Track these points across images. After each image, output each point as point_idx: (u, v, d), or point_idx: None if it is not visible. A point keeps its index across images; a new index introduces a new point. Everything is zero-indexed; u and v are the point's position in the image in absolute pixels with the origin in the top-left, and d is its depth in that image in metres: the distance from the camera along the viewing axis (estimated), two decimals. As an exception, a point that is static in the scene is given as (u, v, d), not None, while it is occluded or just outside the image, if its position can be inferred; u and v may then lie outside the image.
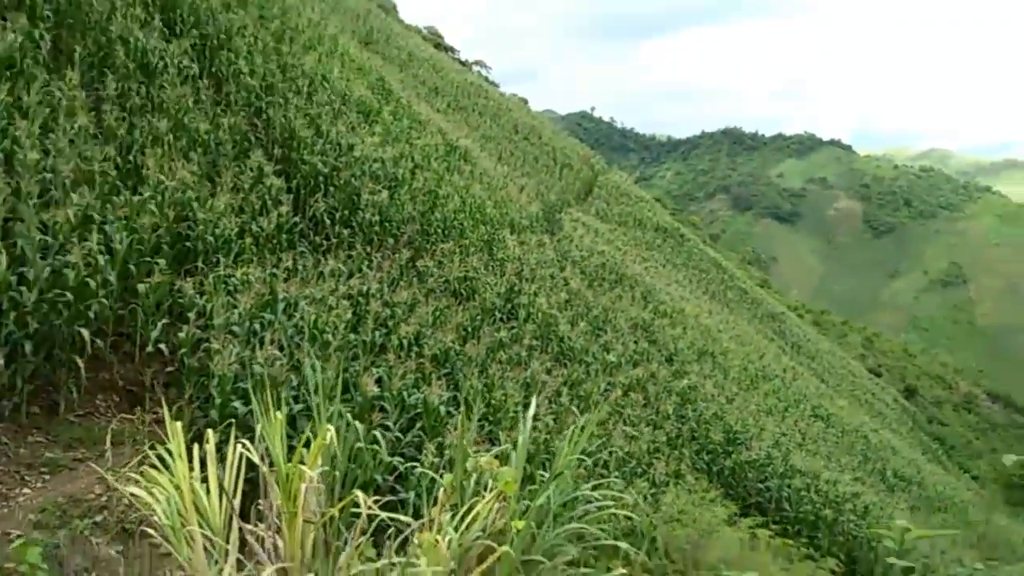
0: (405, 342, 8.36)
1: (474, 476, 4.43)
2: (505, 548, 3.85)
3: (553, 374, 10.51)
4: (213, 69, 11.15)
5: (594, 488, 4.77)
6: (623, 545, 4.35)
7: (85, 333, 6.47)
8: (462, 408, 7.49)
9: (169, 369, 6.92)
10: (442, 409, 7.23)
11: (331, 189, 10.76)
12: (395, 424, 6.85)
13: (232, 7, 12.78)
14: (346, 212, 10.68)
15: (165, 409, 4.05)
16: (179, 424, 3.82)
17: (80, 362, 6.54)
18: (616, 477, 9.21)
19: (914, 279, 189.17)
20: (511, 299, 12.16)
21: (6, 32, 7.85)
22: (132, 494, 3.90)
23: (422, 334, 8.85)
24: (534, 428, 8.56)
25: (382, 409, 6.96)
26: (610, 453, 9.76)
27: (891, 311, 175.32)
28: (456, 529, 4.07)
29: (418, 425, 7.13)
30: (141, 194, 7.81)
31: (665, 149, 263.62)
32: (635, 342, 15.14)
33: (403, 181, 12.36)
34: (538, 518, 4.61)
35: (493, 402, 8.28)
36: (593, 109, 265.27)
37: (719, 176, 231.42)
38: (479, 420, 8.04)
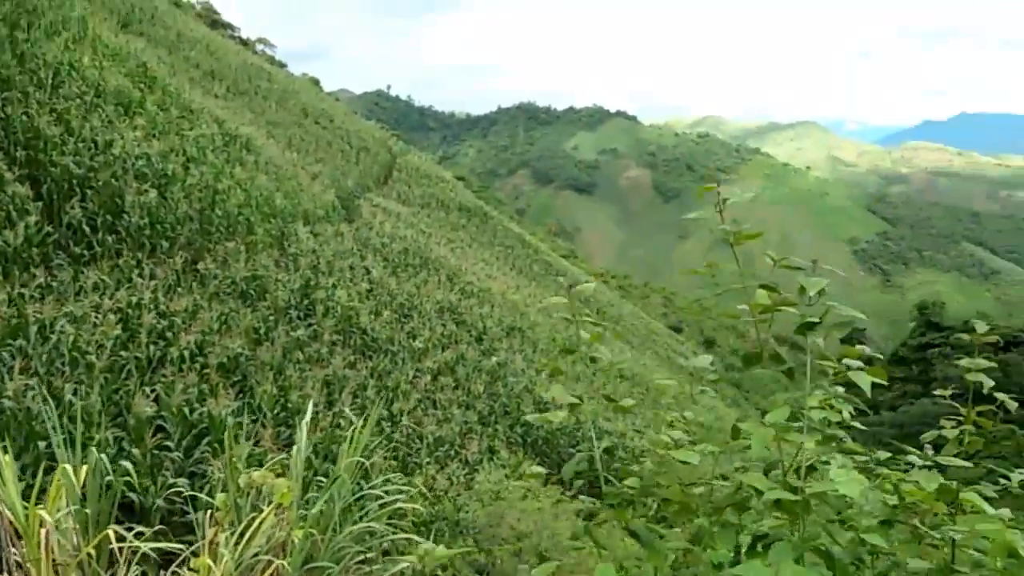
0: (186, 353, 7.73)
1: (251, 492, 4.17)
2: (280, 561, 3.65)
3: (357, 368, 10.23)
4: (-72, 63, 9.66)
5: (383, 484, 4.63)
6: (414, 537, 4.26)
7: None
8: (245, 418, 7.08)
9: None
10: (230, 420, 6.75)
11: (88, 193, 9.70)
12: (179, 443, 6.31)
13: (-52, -10, 11.14)
14: (109, 217, 9.67)
15: None
16: None
17: None
18: (428, 463, 9.18)
19: (701, 238, 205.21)
20: (308, 295, 11.66)
21: None
22: None
23: (206, 342, 8.23)
24: (338, 427, 8.28)
25: (162, 429, 6.38)
26: (420, 439, 9.69)
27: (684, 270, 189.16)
28: (235, 547, 3.83)
29: (206, 440, 6.62)
30: None
31: (465, 127, 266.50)
32: (443, 325, 15.13)
33: (174, 178, 11.42)
34: (325, 523, 4.42)
35: (290, 405, 7.88)
36: (389, 88, 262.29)
37: (519, 151, 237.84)
38: (277, 426, 7.63)
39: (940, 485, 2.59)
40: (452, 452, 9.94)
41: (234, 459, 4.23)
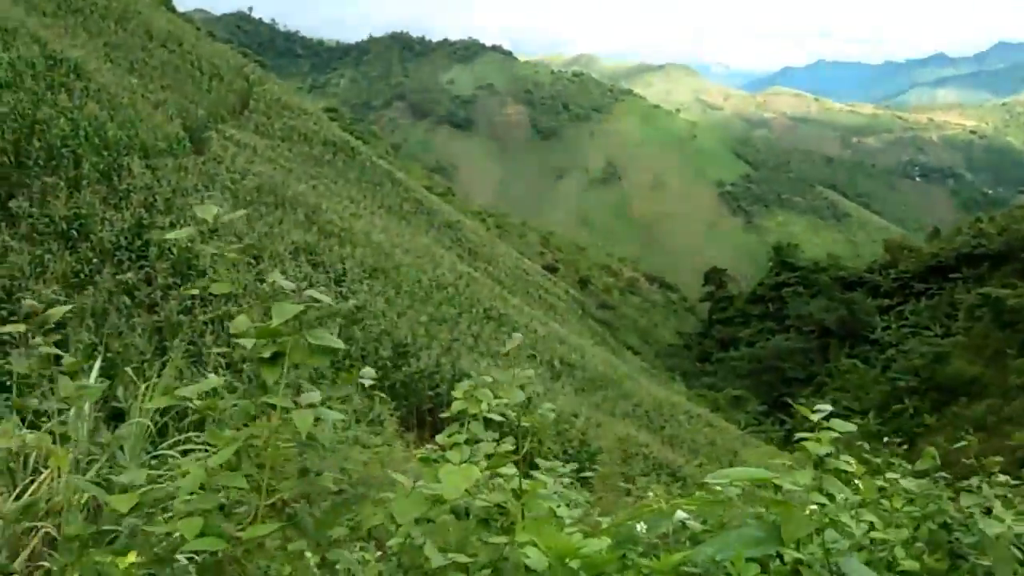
0: (-15, 301, 6.96)
1: (30, 454, 3.77)
2: (46, 526, 3.33)
3: (194, 313, 9.62)
4: None
5: (172, 445, 4.31)
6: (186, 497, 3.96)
7: None
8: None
9: None
10: (36, 375, 6.13)
11: None
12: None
13: None
14: None
15: None
16: None
17: None
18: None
19: (577, 178, 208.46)
20: (140, 235, 10.81)
21: None
22: None
23: (14, 288, 7.45)
24: (163, 376, 7.76)
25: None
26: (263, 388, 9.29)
27: (561, 210, 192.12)
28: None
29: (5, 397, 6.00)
30: None
31: (336, 55, 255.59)
32: (297, 267, 14.54)
33: (-19, 104, 10.20)
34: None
35: (108, 355, 7.29)
36: (251, 9, 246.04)
37: (393, 84, 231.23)
38: (101, 377, 7.05)
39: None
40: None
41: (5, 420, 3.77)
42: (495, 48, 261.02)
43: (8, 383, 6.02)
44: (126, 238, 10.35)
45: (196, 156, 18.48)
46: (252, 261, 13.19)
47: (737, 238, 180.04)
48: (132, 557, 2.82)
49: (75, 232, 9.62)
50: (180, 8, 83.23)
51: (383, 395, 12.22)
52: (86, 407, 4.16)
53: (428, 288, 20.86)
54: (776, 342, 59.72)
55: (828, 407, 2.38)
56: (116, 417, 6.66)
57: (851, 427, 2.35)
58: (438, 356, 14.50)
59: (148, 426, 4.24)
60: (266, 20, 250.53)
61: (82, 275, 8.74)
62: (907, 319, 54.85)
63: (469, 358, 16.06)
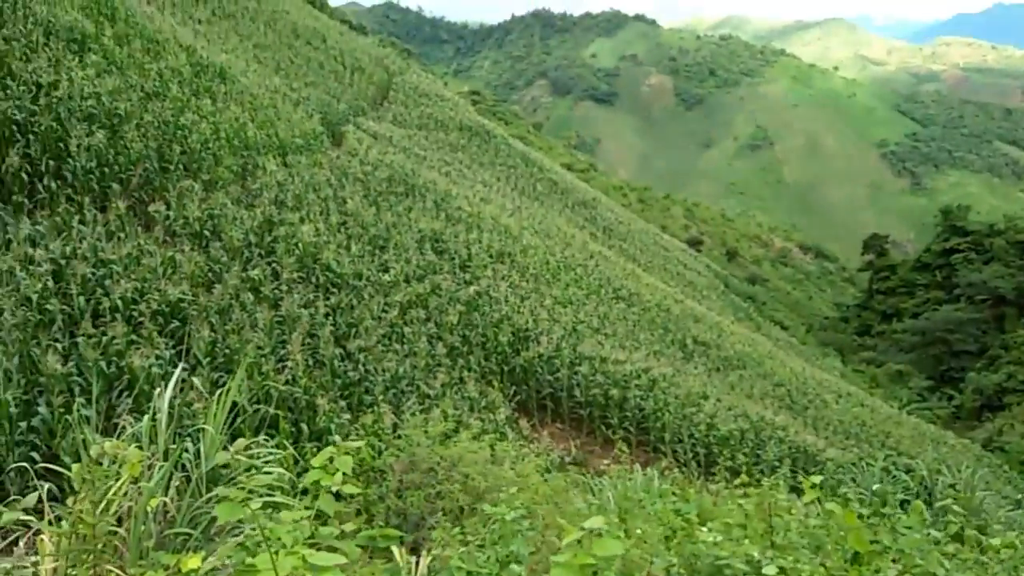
0: (119, 303, 7.68)
1: (106, 460, 4.13)
2: (120, 530, 3.65)
3: (315, 306, 10.16)
4: None
5: (246, 449, 4.56)
6: (280, 499, 4.20)
7: None
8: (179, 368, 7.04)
9: None
10: (156, 371, 6.74)
11: (30, 138, 9.52)
12: (97, 398, 6.31)
13: None
14: (51, 162, 9.53)
15: None
16: None
17: None
18: (383, 401, 9.16)
19: (726, 146, 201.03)
20: (271, 232, 11.53)
21: None
22: None
23: (145, 290, 8.17)
24: (280, 371, 8.27)
25: (77, 384, 6.38)
26: (378, 376, 9.66)
27: (708, 180, 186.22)
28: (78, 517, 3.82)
29: (130, 395, 6.63)
30: None
31: (479, 37, 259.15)
32: (421, 255, 14.97)
33: (128, 116, 11.18)
34: (197, 487, 4.40)
35: (228, 351, 7.85)
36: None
37: (535, 62, 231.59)
38: (213, 372, 7.63)
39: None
40: (412, 388, 9.94)
41: (84, 428, 4.16)
42: (638, 17, 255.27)
43: (130, 381, 6.64)
44: (255, 235, 11.06)
45: (333, 150, 19.45)
46: (376, 251, 13.74)
47: (902, 202, 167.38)
48: (196, 562, 3.04)
49: (207, 232, 10.40)
50: (333, 3, 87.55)
51: (499, 381, 12.44)
52: (163, 415, 4.51)
53: (555, 270, 20.89)
54: (944, 313, 55.11)
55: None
56: (233, 412, 7.17)
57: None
58: (559, 340, 14.50)
59: (220, 430, 4.54)
60: (412, 8, 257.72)
61: (211, 274, 9.44)
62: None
63: (592, 341, 15.96)
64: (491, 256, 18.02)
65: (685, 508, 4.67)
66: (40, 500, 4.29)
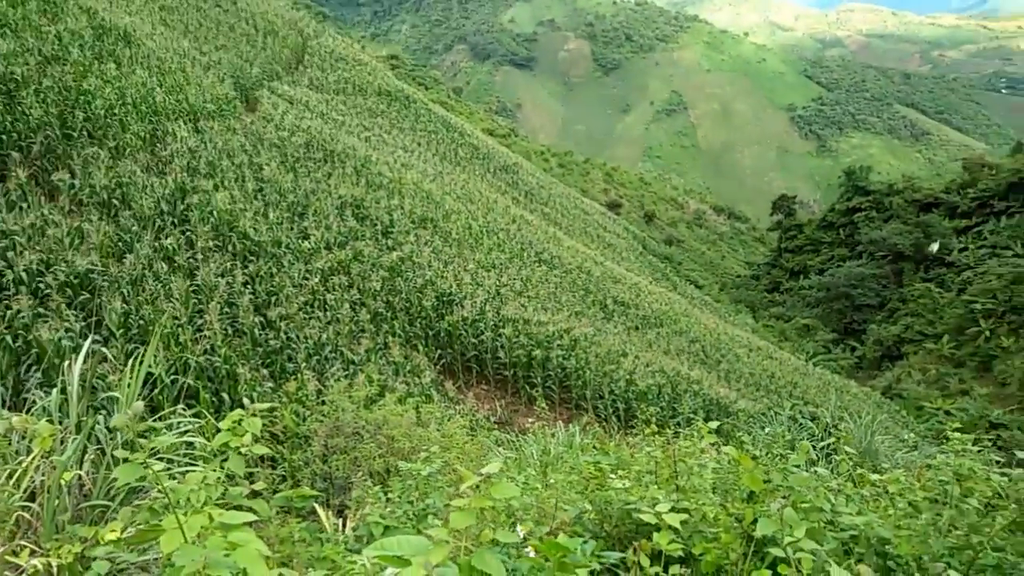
0: (24, 275, 7.38)
1: (15, 435, 4.04)
2: (34, 505, 3.59)
3: (232, 274, 9.97)
4: None
5: (162, 419, 4.53)
6: (198, 468, 4.20)
7: None
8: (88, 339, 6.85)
9: None
10: (67, 343, 6.54)
11: (-86, 103, 8.96)
12: (4, 372, 6.10)
13: None
14: (-60, 129, 9.00)
15: None
16: None
17: None
18: (306, 369, 9.11)
19: (643, 111, 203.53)
20: (184, 199, 11.19)
21: None
22: None
23: (51, 261, 7.87)
24: (199, 339, 8.12)
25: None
26: (300, 343, 9.59)
27: (626, 144, 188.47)
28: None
29: (38, 368, 6.42)
30: None
31: (396, 1, 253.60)
32: (342, 222, 14.79)
33: (26, 81, 10.61)
34: (114, 460, 4.35)
35: (142, 322, 7.66)
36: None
37: (454, 26, 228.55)
38: (128, 343, 7.45)
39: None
40: (336, 354, 9.91)
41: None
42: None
43: (39, 355, 6.43)
44: (168, 203, 10.72)
45: (247, 116, 18.87)
46: (295, 218, 13.50)
47: (809, 164, 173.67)
48: (115, 532, 3.03)
49: (116, 201, 10.03)
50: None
51: (424, 346, 12.50)
52: (74, 387, 4.42)
53: (478, 235, 20.94)
54: (847, 268, 57.84)
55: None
56: (149, 383, 7.02)
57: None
58: (483, 303, 14.63)
59: (134, 401, 4.48)
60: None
61: (121, 243, 9.13)
62: (985, 239, 52.31)
63: (515, 303, 16.15)
64: (413, 222, 17.94)
65: (604, 460, 4.88)
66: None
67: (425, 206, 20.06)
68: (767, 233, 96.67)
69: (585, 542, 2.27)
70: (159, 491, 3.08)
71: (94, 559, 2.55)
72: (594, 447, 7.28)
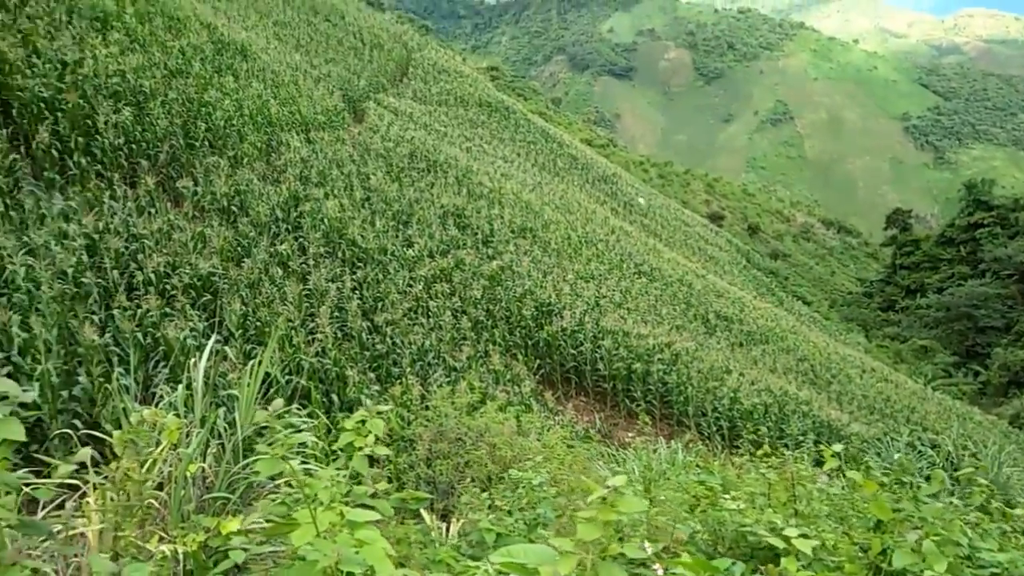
0: (152, 276, 7.80)
1: (146, 427, 4.23)
2: (159, 494, 3.73)
3: (341, 280, 10.25)
4: None
5: (279, 416, 4.63)
6: (313, 466, 4.28)
7: None
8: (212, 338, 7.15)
9: None
10: (191, 342, 6.85)
11: (59, 116, 9.63)
12: (135, 368, 6.43)
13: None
14: (80, 139, 9.64)
15: None
16: None
17: None
18: (410, 373, 9.25)
19: (746, 121, 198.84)
20: (297, 207, 11.61)
21: None
22: None
23: (177, 264, 8.29)
24: (310, 343, 8.37)
25: (118, 355, 6.51)
26: (405, 349, 9.75)
27: (728, 155, 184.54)
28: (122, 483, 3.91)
29: (166, 365, 6.75)
30: None
31: (496, 13, 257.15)
32: (444, 230, 15.01)
33: (153, 93, 11.27)
34: (233, 455, 4.50)
35: (259, 324, 7.96)
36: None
37: (553, 37, 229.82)
38: (245, 344, 7.75)
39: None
40: (438, 360, 10.02)
41: (125, 397, 4.25)
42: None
43: (166, 352, 6.76)
44: (282, 211, 11.14)
45: (355, 126, 19.47)
46: (400, 226, 13.79)
47: (925, 176, 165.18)
48: (235, 524, 3.11)
49: (235, 208, 10.50)
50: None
51: (523, 355, 12.50)
52: (198, 384, 4.60)
53: (577, 245, 20.86)
54: (969, 288, 54.39)
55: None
56: (265, 383, 7.28)
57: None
58: (582, 314, 14.52)
59: (253, 399, 4.62)
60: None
61: (240, 248, 9.53)
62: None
63: (615, 315, 15.97)
64: (513, 231, 18.03)
65: (709, 479, 4.72)
66: (84, 465, 4.40)
67: (525, 216, 20.14)
68: (880, 248, 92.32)
69: (733, 563, 2.16)
70: (290, 486, 3.11)
71: (227, 549, 2.61)
72: (698, 465, 7.07)
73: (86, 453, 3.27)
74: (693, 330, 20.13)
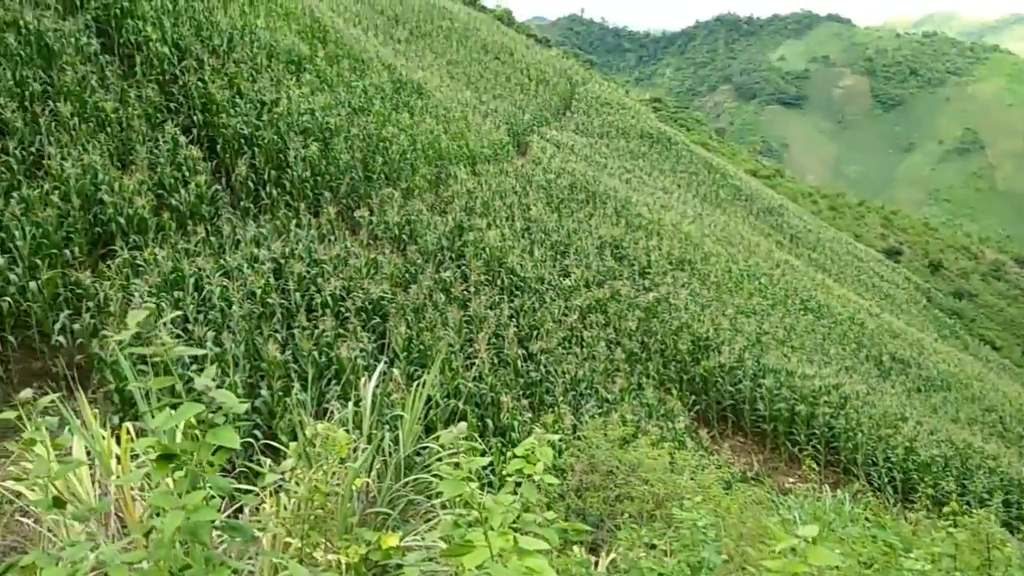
0: (329, 299, 8.40)
1: (318, 440, 4.54)
2: (331, 506, 3.98)
3: (499, 308, 10.55)
4: (121, 41, 10.91)
5: (436, 438, 4.83)
6: (470, 487, 4.42)
7: (-10, 331, 6.59)
8: (382, 360, 7.57)
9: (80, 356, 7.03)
10: (360, 362, 7.30)
11: (255, 150, 10.63)
12: (312, 383, 6.95)
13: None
14: (274, 172, 10.59)
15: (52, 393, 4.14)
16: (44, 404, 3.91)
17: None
18: (563, 403, 9.34)
19: (929, 150, 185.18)
20: (461, 236, 12.11)
21: None
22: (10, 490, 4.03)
23: (351, 288, 8.88)
24: (468, 368, 8.67)
25: (296, 371, 7.05)
26: (551, 382, 9.84)
27: (909, 186, 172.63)
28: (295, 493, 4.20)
29: (337, 382, 7.23)
30: (42, 187, 7.78)
31: (661, 45, 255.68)
32: (601, 261, 15.08)
33: (338, 130, 12.18)
34: (395, 472, 4.75)
35: (422, 347, 8.35)
36: (583, 11, 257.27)
37: (719, 67, 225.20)
38: (409, 366, 8.15)
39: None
40: (591, 391, 10.05)
41: (303, 410, 4.60)
42: (831, 17, 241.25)
43: (338, 370, 7.23)
44: (447, 240, 11.66)
45: (518, 159, 20.06)
46: (558, 256, 14.01)
47: None
48: (395, 540, 3.31)
49: (405, 236, 11.11)
50: (519, 19, 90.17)
51: (678, 390, 12.26)
52: (367, 403, 4.89)
53: (738, 278, 20.25)
54: None
55: None
56: (427, 405, 7.62)
57: None
58: (742, 350, 14.05)
59: (416, 420, 4.86)
60: (596, 20, 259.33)
61: (408, 274, 10.07)
62: None
63: (777, 353, 15.33)
64: (671, 263, 17.80)
65: (882, 534, 4.42)
66: (271, 470, 4.77)
67: (683, 247, 19.83)
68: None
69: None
70: (445, 507, 3.27)
71: (399, 564, 2.78)
72: (867, 518, 6.63)
73: (288, 464, 3.58)
74: (864, 372, 18.94)
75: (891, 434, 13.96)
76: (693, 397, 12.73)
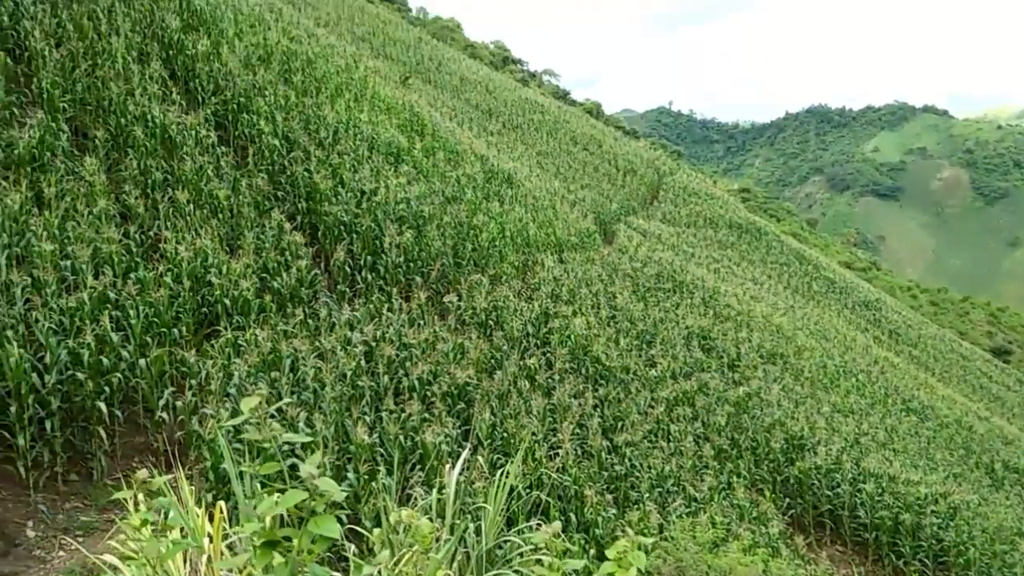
0: (416, 383, 8.51)
1: (401, 528, 4.52)
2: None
3: (584, 397, 10.43)
4: (236, 133, 11.71)
5: (519, 532, 4.75)
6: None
7: (102, 406, 6.92)
8: (467, 446, 7.56)
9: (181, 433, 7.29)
10: (444, 447, 7.31)
11: (354, 237, 11.09)
12: (397, 467, 6.97)
13: (253, 66, 13.35)
14: (369, 258, 10.98)
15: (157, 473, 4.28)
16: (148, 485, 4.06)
17: (102, 432, 6.99)
18: (648, 499, 9.04)
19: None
20: (546, 323, 12.15)
21: (25, 130, 8.51)
22: (107, 564, 4.16)
23: (438, 372, 8.98)
24: (551, 458, 8.55)
25: (382, 455, 7.11)
26: (644, 473, 9.58)
27: (1017, 282, 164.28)
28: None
29: (422, 467, 7.24)
30: (156, 268, 8.29)
31: (750, 136, 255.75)
32: (688, 352, 14.81)
33: (431, 218, 12.59)
34: (477, 565, 4.66)
35: (506, 435, 8.30)
36: (671, 104, 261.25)
37: (810, 158, 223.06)
38: (492, 454, 8.10)
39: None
40: (678, 488, 9.72)
41: (386, 496, 4.61)
42: (927, 109, 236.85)
43: (422, 455, 7.25)
44: (533, 326, 11.72)
45: (605, 247, 20.18)
46: (644, 346, 13.84)
47: None
48: None
49: (491, 322, 11.23)
50: (608, 111, 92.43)
51: (771, 491, 11.72)
52: (451, 491, 4.86)
53: (834, 375, 19.47)
54: None
55: None
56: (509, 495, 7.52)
57: None
58: (839, 452, 13.38)
59: (498, 511, 4.80)
60: (684, 112, 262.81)
61: (493, 360, 10.12)
62: None
63: (878, 456, 14.51)
64: (762, 356, 17.32)
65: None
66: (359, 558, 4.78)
67: (775, 340, 19.30)
68: None
69: None
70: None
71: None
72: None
73: (384, 556, 3.57)
74: (975, 481, 17.67)
75: (1007, 550, 12.89)
76: (787, 500, 12.13)
